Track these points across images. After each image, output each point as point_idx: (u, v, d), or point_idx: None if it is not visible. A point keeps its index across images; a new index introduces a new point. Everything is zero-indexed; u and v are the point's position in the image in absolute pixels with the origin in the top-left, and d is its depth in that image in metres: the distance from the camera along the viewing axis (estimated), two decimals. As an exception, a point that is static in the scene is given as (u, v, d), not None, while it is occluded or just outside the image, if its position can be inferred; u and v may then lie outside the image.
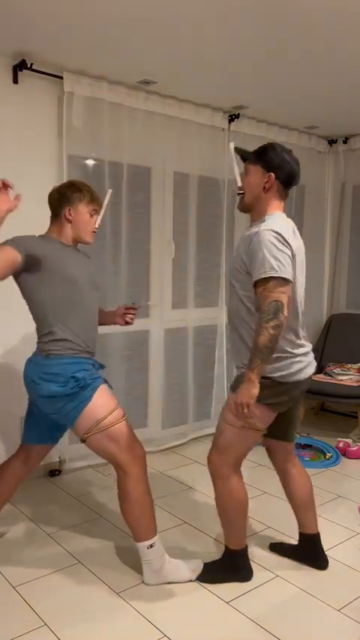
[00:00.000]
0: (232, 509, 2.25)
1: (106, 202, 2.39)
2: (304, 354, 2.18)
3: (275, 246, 1.96)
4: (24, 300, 2.26)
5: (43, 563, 2.44)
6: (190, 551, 2.57)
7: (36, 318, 2.24)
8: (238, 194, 2.20)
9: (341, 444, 3.87)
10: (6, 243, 2.12)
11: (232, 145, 2.25)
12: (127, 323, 2.56)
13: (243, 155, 2.22)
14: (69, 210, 2.27)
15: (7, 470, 2.44)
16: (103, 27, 2.59)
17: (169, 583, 2.30)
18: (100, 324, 2.53)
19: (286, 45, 2.75)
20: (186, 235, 3.90)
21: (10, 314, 3.09)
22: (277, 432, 2.35)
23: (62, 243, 2.28)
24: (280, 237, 1.99)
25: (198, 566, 2.35)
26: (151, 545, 2.26)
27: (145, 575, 2.30)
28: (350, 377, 4.13)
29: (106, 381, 2.31)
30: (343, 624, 2.09)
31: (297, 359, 2.13)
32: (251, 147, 4.10)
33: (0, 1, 2.36)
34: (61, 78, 3.15)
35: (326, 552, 2.51)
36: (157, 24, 2.54)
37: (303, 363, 2.15)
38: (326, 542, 2.62)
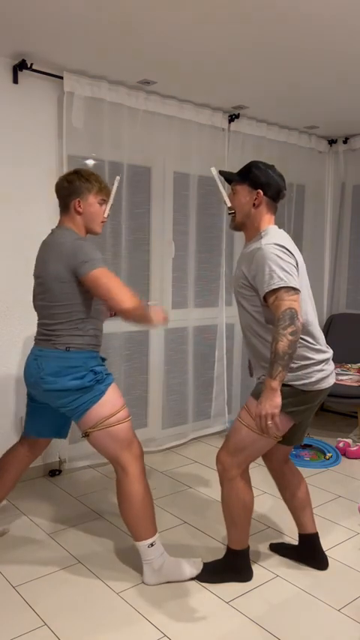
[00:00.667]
0: (237, 510, 2.25)
1: (114, 190, 2.38)
2: (326, 362, 2.19)
3: (280, 257, 2.00)
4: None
5: (43, 563, 2.44)
6: (191, 551, 2.57)
7: (59, 314, 2.21)
8: (229, 214, 2.26)
9: (341, 444, 3.87)
10: (100, 263, 2.14)
11: (213, 170, 2.30)
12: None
13: (227, 177, 2.27)
14: (78, 202, 2.26)
15: (13, 457, 2.47)
16: (103, 27, 2.59)
17: (169, 582, 2.30)
18: None
19: (286, 45, 2.75)
20: (186, 235, 3.90)
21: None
22: (286, 437, 2.32)
23: (82, 237, 2.26)
24: (283, 248, 2.04)
25: (198, 565, 2.35)
26: (152, 544, 2.26)
27: (146, 575, 2.30)
28: (350, 377, 4.14)
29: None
30: (343, 624, 2.09)
31: (319, 367, 2.14)
32: (251, 147, 4.14)
33: (0, 1, 2.37)
34: (61, 78, 3.15)
35: (326, 552, 2.52)
36: (157, 24, 2.54)
37: (325, 372, 2.17)
38: (326, 542, 2.62)
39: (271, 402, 1.93)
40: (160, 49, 2.84)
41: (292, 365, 2.10)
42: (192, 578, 2.32)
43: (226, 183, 2.31)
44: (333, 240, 4.83)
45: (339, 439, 3.94)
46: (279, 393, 1.94)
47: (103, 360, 2.37)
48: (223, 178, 2.28)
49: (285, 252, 2.03)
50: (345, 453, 3.83)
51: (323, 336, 2.25)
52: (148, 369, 3.88)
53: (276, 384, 1.93)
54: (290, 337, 1.90)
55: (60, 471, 3.42)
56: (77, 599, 2.21)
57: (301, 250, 4.70)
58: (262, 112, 3.95)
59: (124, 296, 2.11)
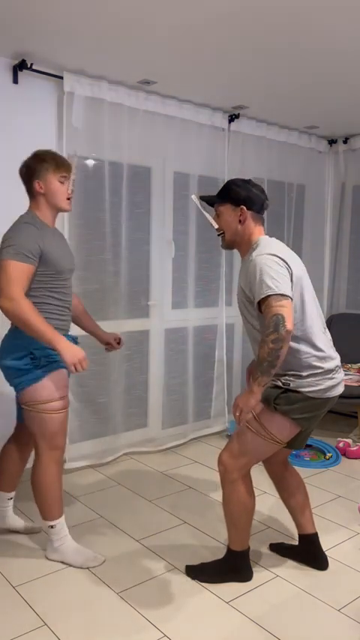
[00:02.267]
0: (237, 512, 2.25)
1: (74, 166, 2.40)
2: (336, 370, 2.20)
3: (269, 266, 2.03)
4: None
5: (43, 563, 2.44)
6: (190, 551, 2.57)
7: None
8: (218, 235, 2.30)
9: (341, 444, 3.87)
10: (10, 254, 2.18)
11: (194, 197, 2.38)
12: (107, 349, 2.77)
13: (208, 201, 2.32)
14: (38, 183, 2.31)
15: (20, 438, 2.57)
16: (103, 27, 2.59)
17: (63, 563, 2.42)
18: (77, 323, 2.67)
19: (286, 45, 2.75)
20: (186, 235, 3.90)
21: None
22: (289, 441, 2.29)
23: (30, 221, 2.30)
24: (274, 257, 2.06)
25: (98, 560, 2.43)
26: (52, 527, 2.40)
27: (47, 549, 2.47)
28: (350, 377, 4.14)
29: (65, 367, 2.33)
30: (343, 624, 2.09)
31: (329, 375, 2.15)
32: (251, 147, 4.14)
33: (0, 1, 2.37)
34: (61, 78, 3.15)
35: (326, 552, 2.51)
36: (157, 24, 2.54)
37: (335, 380, 2.18)
38: (326, 542, 2.62)
39: (247, 401, 2.01)
40: (160, 49, 2.84)
41: (302, 374, 2.12)
42: (82, 567, 2.39)
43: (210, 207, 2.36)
44: (333, 240, 4.83)
45: (339, 439, 3.94)
46: (258, 396, 2.00)
47: (75, 340, 2.42)
48: (205, 203, 2.34)
49: (275, 261, 2.05)
50: (345, 453, 3.83)
51: (331, 342, 2.25)
52: (148, 369, 3.88)
53: (256, 387, 1.99)
54: (271, 345, 1.92)
55: (60, 471, 3.43)
56: (77, 599, 2.21)
57: (301, 250, 4.71)
58: (262, 112, 3.95)
59: (6, 292, 2.13)
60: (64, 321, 2.38)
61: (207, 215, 2.31)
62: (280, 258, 2.06)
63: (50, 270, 2.27)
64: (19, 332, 2.22)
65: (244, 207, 2.20)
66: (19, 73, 3.05)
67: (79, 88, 3.20)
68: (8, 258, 2.16)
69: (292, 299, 2.01)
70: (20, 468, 2.61)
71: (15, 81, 3.06)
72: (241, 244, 2.24)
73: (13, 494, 2.65)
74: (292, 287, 2.05)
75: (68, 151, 3.24)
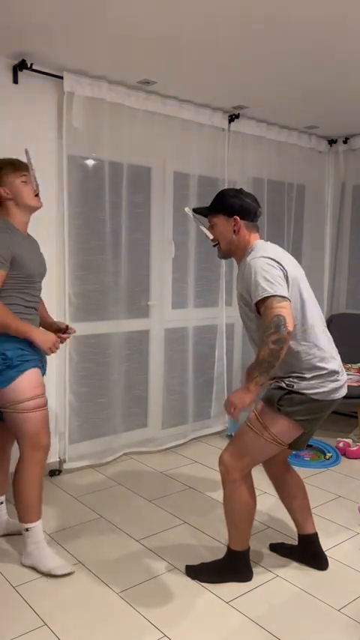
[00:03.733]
0: (238, 512, 2.26)
1: (29, 161, 2.40)
2: (339, 372, 2.20)
3: (264, 269, 2.04)
4: None
5: (43, 563, 2.44)
6: (190, 551, 2.57)
7: None
8: (214, 246, 2.33)
9: (341, 444, 3.87)
10: None
11: (187, 210, 2.42)
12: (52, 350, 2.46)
13: (202, 213, 2.35)
14: (4, 190, 2.33)
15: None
16: (103, 27, 2.59)
17: (34, 569, 2.38)
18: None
19: (286, 45, 2.75)
20: (186, 235, 3.90)
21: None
22: (292, 442, 2.29)
23: (17, 229, 2.35)
24: (268, 259, 2.08)
25: (66, 569, 2.36)
26: (28, 529, 2.37)
27: (22, 555, 2.43)
28: (350, 377, 4.14)
29: (41, 365, 2.39)
30: (343, 624, 2.09)
31: (332, 377, 2.16)
32: (251, 147, 4.14)
33: (0, 1, 2.36)
34: (61, 78, 3.15)
35: (326, 552, 2.51)
36: (157, 24, 2.54)
37: (339, 383, 2.18)
38: (326, 542, 2.62)
39: (241, 397, 2.02)
40: (160, 49, 2.84)
41: (305, 375, 2.13)
42: (50, 574, 2.34)
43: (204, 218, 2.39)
44: (333, 240, 4.83)
45: (339, 439, 3.94)
46: (252, 394, 2.02)
47: None
48: (198, 216, 2.37)
49: (269, 263, 2.06)
50: (345, 453, 3.83)
51: (332, 343, 2.25)
52: (148, 369, 3.88)
53: (252, 386, 2.01)
54: (272, 346, 1.93)
55: (60, 471, 3.42)
56: (77, 599, 2.21)
57: (300, 250, 4.71)
58: (262, 112, 3.95)
59: None
60: (31, 320, 2.41)
61: (202, 227, 2.35)
62: (273, 260, 2.08)
63: (21, 274, 2.31)
64: None
65: (238, 217, 2.23)
66: (19, 73, 3.05)
67: (79, 88, 3.20)
68: None
69: (289, 300, 2.01)
70: (3, 470, 2.60)
71: (15, 81, 3.05)
72: (237, 252, 2.27)
73: (2, 497, 2.64)
74: (288, 288, 2.06)
75: (68, 151, 3.25)
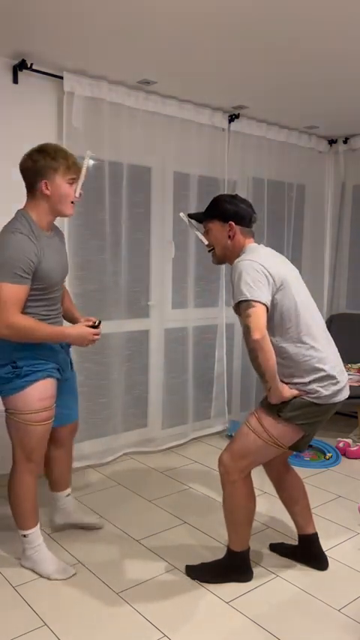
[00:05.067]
0: (238, 514, 2.25)
1: (85, 167, 2.22)
2: (339, 373, 2.19)
3: (248, 272, 2.06)
4: None
5: (43, 563, 2.44)
6: (190, 551, 2.57)
7: None
8: (209, 251, 2.34)
9: (341, 444, 3.87)
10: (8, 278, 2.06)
11: (182, 215, 2.41)
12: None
13: (197, 218, 2.36)
14: (45, 183, 2.14)
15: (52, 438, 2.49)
16: (103, 27, 2.59)
17: (34, 572, 2.37)
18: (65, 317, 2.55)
19: (286, 45, 2.75)
20: (186, 235, 3.90)
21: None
22: (293, 444, 2.29)
23: (17, 230, 2.12)
24: (253, 262, 2.09)
25: (67, 572, 2.35)
26: (25, 536, 2.34)
27: (22, 558, 2.41)
28: (350, 377, 4.14)
29: (59, 373, 2.32)
30: (343, 624, 2.09)
31: (333, 380, 2.15)
32: (251, 147, 4.14)
33: (0, 1, 2.37)
34: (61, 78, 3.15)
35: (326, 552, 2.51)
36: (158, 24, 2.54)
37: (340, 385, 2.18)
38: (326, 542, 2.62)
39: (274, 398, 2.12)
40: (160, 49, 2.84)
41: (305, 380, 2.13)
42: (49, 578, 2.33)
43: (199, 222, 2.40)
44: (333, 240, 4.83)
45: (339, 439, 3.94)
46: (274, 399, 2.11)
47: (67, 344, 2.39)
48: (193, 221, 2.38)
49: (254, 267, 2.07)
50: (345, 453, 3.83)
51: (331, 343, 2.25)
52: (148, 369, 3.88)
53: (267, 392, 2.11)
54: (250, 355, 2.03)
55: (60, 471, 3.42)
56: (77, 599, 2.21)
57: (301, 250, 4.71)
58: (262, 112, 3.95)
59: (3, 319, 2.03)
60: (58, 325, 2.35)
61: (197, 233, 2.36)
62: (259, 264, 2.08)
63: (42, 284, 2.16)
64: (1, 341, 2.14)
65: (233, 223, 2.23)
66: (19, 73, 3.05)
67: (79, 88, 3.20)
68: (2, 281, 2.03)
69: (265, 305, 2.03)
70: (66, 464, 2.64)
71: (15, 81, 3.05)
72: (231, 258, 2.27)
73: (69, 490, 2.68)
74: (271, 292, 2.07)
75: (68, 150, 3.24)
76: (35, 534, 2.35)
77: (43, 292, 2.20)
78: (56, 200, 2.17)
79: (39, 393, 2.21)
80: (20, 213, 2.20)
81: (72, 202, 2.22)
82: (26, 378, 2.18)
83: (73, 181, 2.19)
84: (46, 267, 2.15)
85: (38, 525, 2.37)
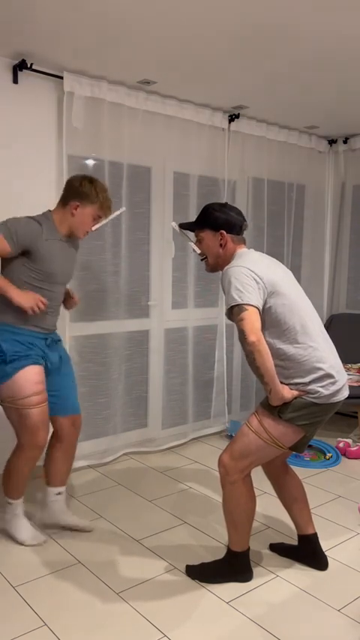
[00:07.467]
0: (237, 513, 2.25)
1: (112, 216, 2.56)
2: (338, 372, 2.20)
3: (237, 278, 2.09)
4: None
5: (43, 563, 2.44)
6: (190, 551, 2.57)
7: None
8: (202, 260, 2.37)
9: (341, 444, 3.88)
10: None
11: (173, 224, 2.46)
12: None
13: (188, 228, 2.39)
14: (76, 206, 2.43)
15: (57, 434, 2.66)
16: (103, 27, 2.59)
17: (5, 532, 2.57)
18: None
19: (286, 45, 2.75)
20: (186, 235, 3.89)
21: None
22: (293, 445, 2.29)
23: (57, 232, 2.45)
24: (242, 267, 2.11)
25: (38, 540, 2.56)
26: (9, 503, 2.55)
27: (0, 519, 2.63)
28: (350, 377, 4.14)
29: (40, 362, 2.44)
30: (343, 624, 2.09)
31: (332, 380, 2.15)
32: (251, 147, 4.14)
33: (0, 1, 2.36)
34: (61, 78, 3.15)
35: (326, 552, 2.52)
36: (158, 24, 2.54)
37: (339, 384, 2.18)
38: (326, 542, 2.62)
39: (275, 400, 2.12)
40: (160, 49, 2.84)
41: (305, 380, 2.13)
42: (23, 544, 2.54)
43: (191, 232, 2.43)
44: (333, 241, 4.83)
45: (339, 439, 3.95)
46: (275, 401, 2.11)
47: (55, 341, 2.54)
48: (186, 231, 2.42)
49: (243, 272, 2.09)
50: (345, 453, 3.83)
51: (329, 342, 2.25)
52: (148, 369, 3.88)
53: (269, 394, 2.10)
54: (247, 358, 2.05)
55: (60, 471, 3.42)
56: (77, 599, 2.21)
57: (301, 250, 4.71)
58: (262, 112, 3.95)
59: None
60: (46, 314, 2.45)
61: (190, 243, 2.39)
62: (247, 269, 2.10)
63: (38, 267, 2.38)
64: None
65: (224, 232, 2.26)
66: (19, 73, 3.05)
67: (79, 88, 3.20)
68: None
69: (257, 307, 2.06)
70: (63, 461, 2.69)
71: (15, 81, 3.05)
72: (224, 265, 2.29)
73: (62, 488, 2.70)
74: (263, 296, 2.09)
75: (68, 151, 3.24)
76: (17, 504, 2.56)
77: (41, 279, 2.41)
78: (77, 223, 2.47)
79: (30, 378, 2.37)
80: (46, 211, 2.49)
81: (87, 232, 2.51)
82: (13, 364, 2.33)
83: (98, 218, 2.50)
84: (47, 257, 2.39)
85: (22, 499, 2.57)
